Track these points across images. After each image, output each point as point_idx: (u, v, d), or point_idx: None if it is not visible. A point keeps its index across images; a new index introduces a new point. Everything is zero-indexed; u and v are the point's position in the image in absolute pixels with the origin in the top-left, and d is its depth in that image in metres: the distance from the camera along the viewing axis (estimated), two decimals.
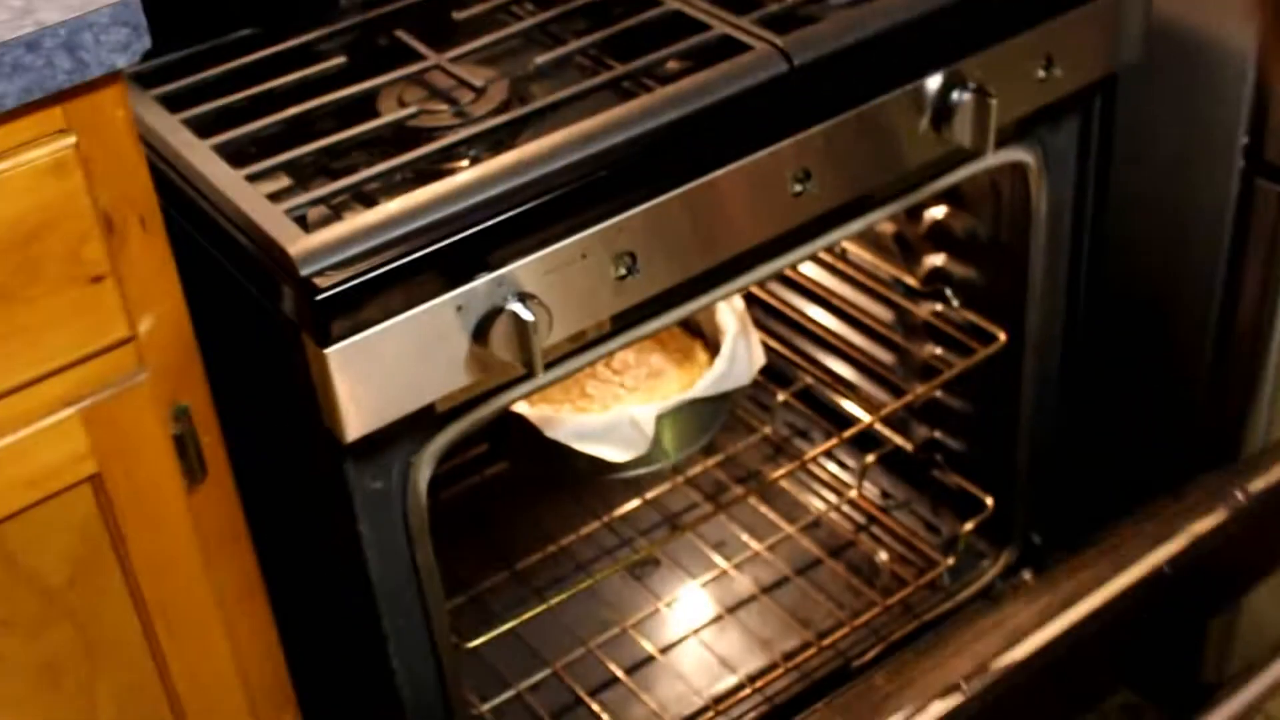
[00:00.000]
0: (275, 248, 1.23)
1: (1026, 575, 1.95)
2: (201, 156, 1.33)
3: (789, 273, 2.13)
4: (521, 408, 1.66)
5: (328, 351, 1.21)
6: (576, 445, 1.64)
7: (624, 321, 1.39)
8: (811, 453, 1.98)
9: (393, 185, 1.33)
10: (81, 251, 1.19)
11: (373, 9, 1.57)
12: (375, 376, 1.24)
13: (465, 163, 1.34)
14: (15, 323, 1.18)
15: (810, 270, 2.13)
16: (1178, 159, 1.70)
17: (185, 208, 1.33)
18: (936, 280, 1.90)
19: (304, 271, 1.21)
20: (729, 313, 1.77)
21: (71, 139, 1.16)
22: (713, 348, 1.81)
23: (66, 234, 1.18)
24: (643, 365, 1.79)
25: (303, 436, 1.34)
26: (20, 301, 1.18)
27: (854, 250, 2.05)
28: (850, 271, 2.06)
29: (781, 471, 1.97)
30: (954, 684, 1.41)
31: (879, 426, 2.02)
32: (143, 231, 1.22)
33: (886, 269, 1.99)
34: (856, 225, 1.52)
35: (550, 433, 1.64)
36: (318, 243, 1.22)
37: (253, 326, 1.33)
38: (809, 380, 2.14)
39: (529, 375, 1.30)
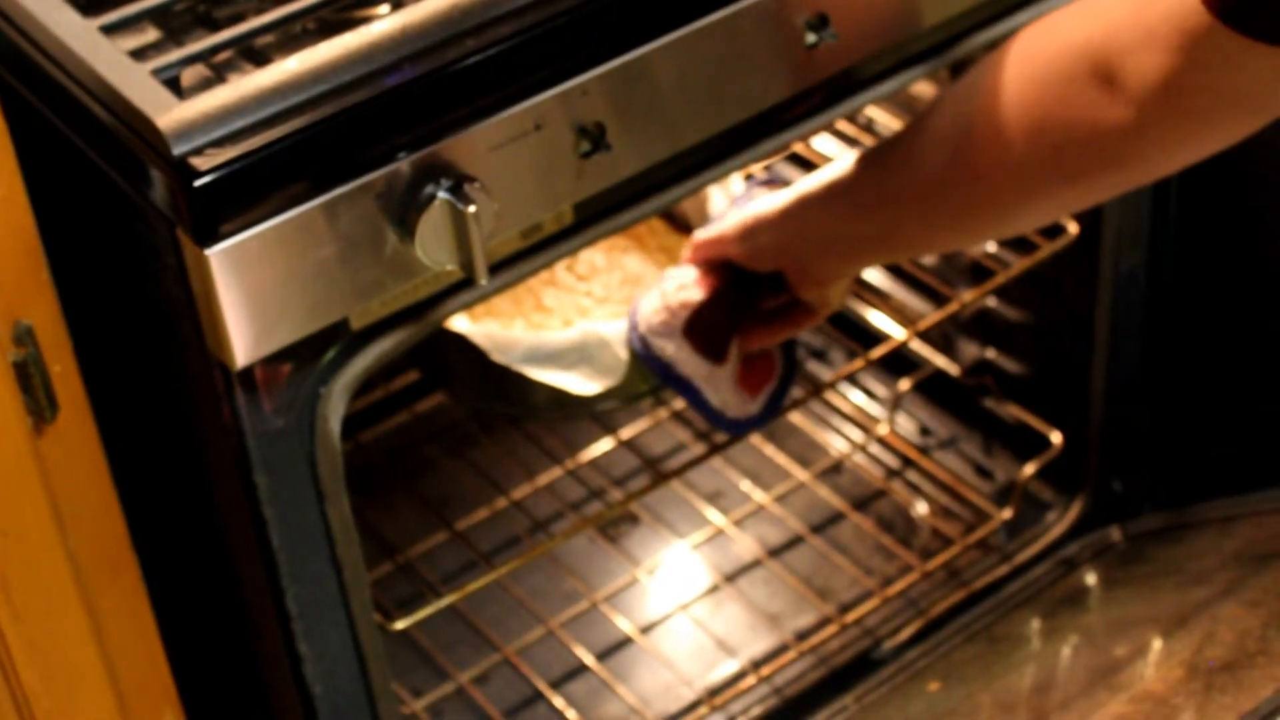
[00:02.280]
0: (139, 119, 1.21)
1: (1116, 535, 1.95)
2: (42, 1, 1.30)
3: (801, 149, 2.11)
4: (461, 324, 1.64)
5: (210, 253, 1.19)
6: (532, 373, 1.63)
7: (590, 211, 1.38)
8: (830, 378, 1.97)
9: (291, 39, 1.31)
10: None
11: None
12: (271, 285, 1.23)
13: (384, 8, 1.32)
14: None
15: (828, 146, 2.11)
16: None
17: (22, 68, 1.31)
18: None
19: (178, 150, 1.19)
20: (726, 201, 1.76)
21: None
22: None
23: None
24: (615, 269, 1.78)
25: (180, 363, 1.33)
26: None
27: (884, 120, 2.03)
28: None
29: (791, 402, 1.96)
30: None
31: (916, 344, 2.01)
32: None
33: None
34: (888, 86, 1.50)
35: (499, 357, 1.62)
36: (195, 113, 1.20)
37: (112, 222, 1.32)
38: None
39: (468, 281, 1.29)
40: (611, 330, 1.64)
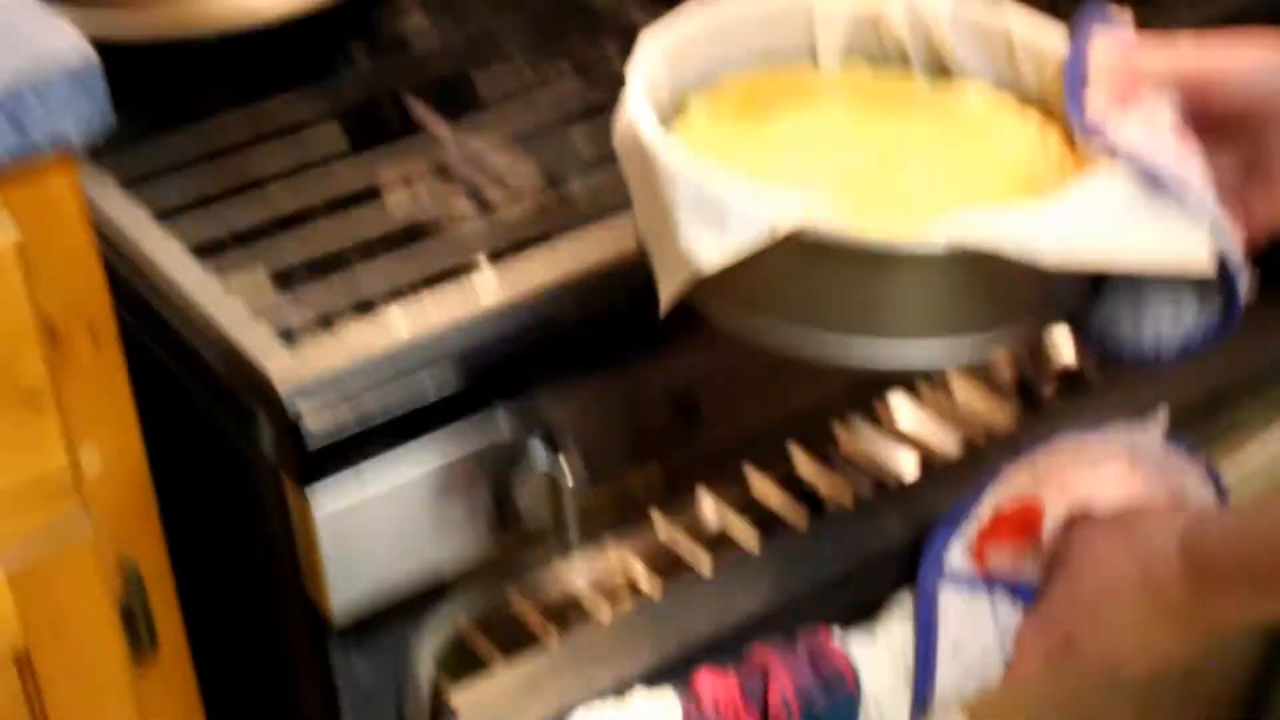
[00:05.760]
0: (252, 368, 1.22)
1: None
2: (165, 251, 1.33)
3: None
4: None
5: (314, 502, 1.20)
6: None
7: (680, 476, 1.38)
8: None
9: (399, 293, 1.32)
10: (15, 367, 1.17)
11: (377, 74, 1.57)
12: (372, 539, 1.23)
13: (489, 269, 1.33)
14: None
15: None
16: None
17: (143, 314, 1.32)
18: None
19: (288, 400, 1.19)
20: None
21: (9, 229, 1.14)
22: None
23: None
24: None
25: (277, 607, 1.32)
26: None
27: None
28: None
29: None
30: None
31: None
32: (92, 345, 1.21)
33: None
34: None
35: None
36: (306, 364, 1.21)
37: (220, 468, 1.32)
38: None
39: (562, 547, 1.29)
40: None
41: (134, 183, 1.41)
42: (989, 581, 1.29)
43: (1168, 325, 1.12)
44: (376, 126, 1.53)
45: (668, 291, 1.11)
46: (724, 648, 1.28)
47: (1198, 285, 1.10)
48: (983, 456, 1.37)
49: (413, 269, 1.32)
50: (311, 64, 1.57)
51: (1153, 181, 1.06)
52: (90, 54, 1.13)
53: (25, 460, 1.20)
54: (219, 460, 1.31)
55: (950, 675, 1.28)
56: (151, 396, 1.28)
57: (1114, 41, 1.15)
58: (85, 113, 1.13)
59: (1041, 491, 1.31)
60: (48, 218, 1.16)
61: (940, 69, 1.29)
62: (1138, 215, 1.06)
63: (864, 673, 1.27)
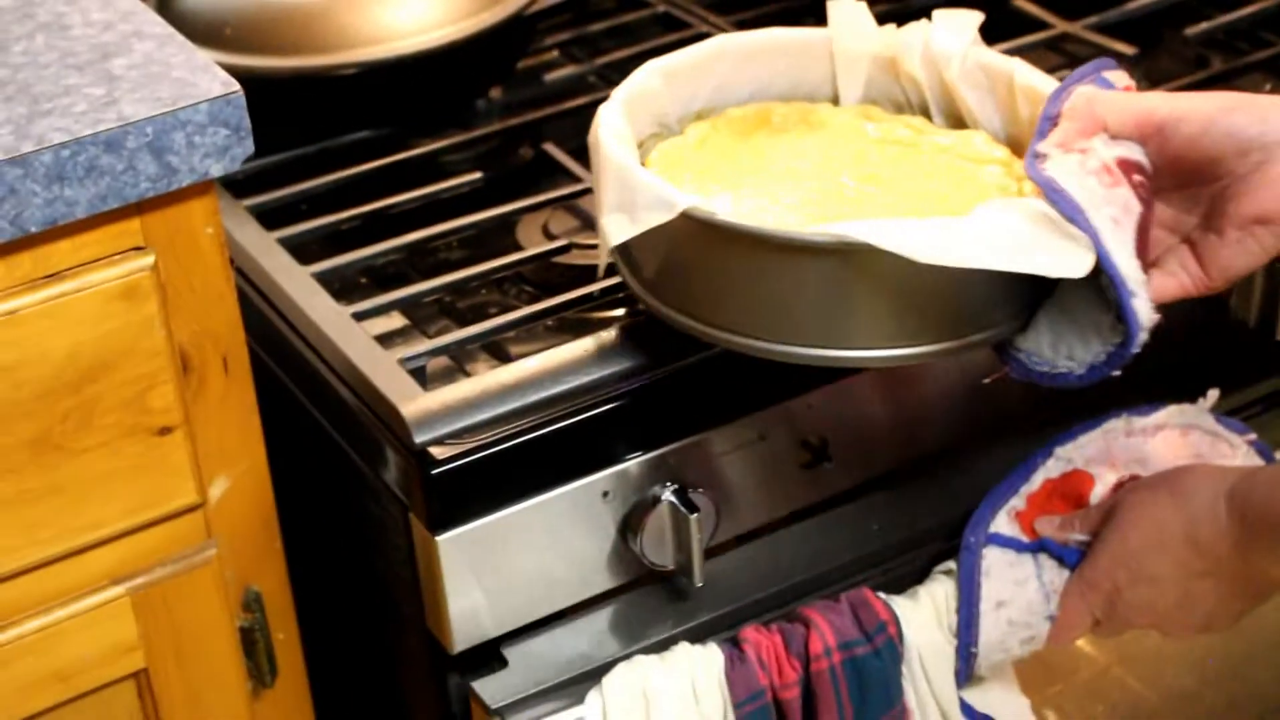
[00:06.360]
0: (384, 405, 1.22)
1: None
2: (300, 286, 1.33)
3: None
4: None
5: (439, 539, 1.19)
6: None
7: (807, 516, 1.35)
8: None
9: (532, 335, 1.32)
10: (148, 396, 1.18)
11: (515, 115, 1.58)
12: (495, 573, 1.22)
13: (622, 312, 1.33)
14: (58, 478, 1.17)
15: None
16: None
17: (275, 347, 1.33)
18: None
19: (419, 438, 1.19)
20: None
21: (149, 258, 1.15)
22: None
23: (132, 374, 1.17)
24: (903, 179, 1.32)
25: (397, 638, 1.32)
26: (67, 453, 1.17)
27: None
28: None
29: None
30: None
31: None
32: (224, 375, 1.22)
33: None
34: None
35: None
36: (438, 403, 1.21)
37: (347, 500, 1.32)
38: None
39: (685, 580, 1.27)
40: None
41: (270, 216, 1.43)
42: (1035, 545, 1.32)
43: (1078, 349, 1.20)
44: (511, 163, 1.54)
45: (601, 261, 1.25)
46: (771, 609, 1.31)
47: (1104, 316, 1.18)
48: (1034, 438, 1.37)
49: (543, 308, 1.32)
50: (449, 99, 1.58)
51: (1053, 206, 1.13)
52: (233, 86, 1.14)
53: (153, 485, 1.21)
54: (344, 490, 1.32)
55: (994, 631, 1.31)
56: (277, 426, 1.28)
57: (1089, 90, 1.19)
58: (226, 144, 1.14)
59: (1091, 466, 1.35)
60: (185, 248, 1.17)
61: (956, 120, 1.34)
62: (1028, 232, 1.12)
63: (907, 626, 1.29)
